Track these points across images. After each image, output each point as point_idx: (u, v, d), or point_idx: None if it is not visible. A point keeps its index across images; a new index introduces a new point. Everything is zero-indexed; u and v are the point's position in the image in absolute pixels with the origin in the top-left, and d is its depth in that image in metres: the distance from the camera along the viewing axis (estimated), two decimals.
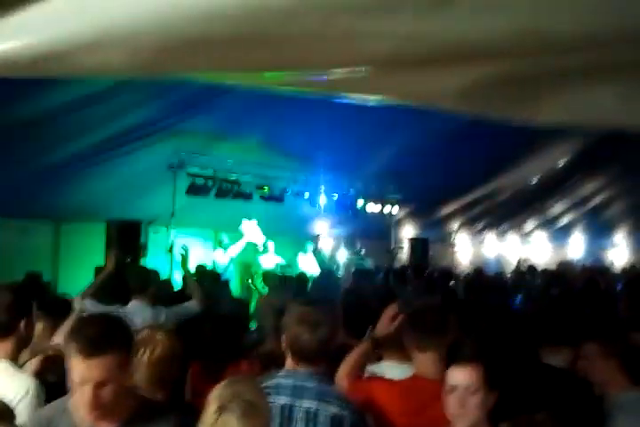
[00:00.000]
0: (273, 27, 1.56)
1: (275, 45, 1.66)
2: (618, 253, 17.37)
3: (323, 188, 11.01)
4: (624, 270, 13.30)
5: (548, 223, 16.78)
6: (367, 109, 7.03)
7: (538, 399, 2.93)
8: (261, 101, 7.34)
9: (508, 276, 9.96)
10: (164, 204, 9.30)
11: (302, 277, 8.03)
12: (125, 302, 4.96)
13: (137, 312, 4.78)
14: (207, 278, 7.03)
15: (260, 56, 1.73)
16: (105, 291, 5.03)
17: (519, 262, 14.00)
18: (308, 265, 11.37)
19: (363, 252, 12.60)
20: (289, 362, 2.66)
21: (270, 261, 10.76)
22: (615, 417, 3.15)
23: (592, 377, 3.33)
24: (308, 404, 2.51)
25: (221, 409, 1.94)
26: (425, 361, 2.83)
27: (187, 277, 5.70)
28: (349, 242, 13.18)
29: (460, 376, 2.37)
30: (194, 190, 9.36)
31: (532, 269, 11.55)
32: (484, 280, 8.12)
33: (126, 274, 5.17)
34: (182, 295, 5.57)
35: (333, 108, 7.51)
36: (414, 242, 13.89)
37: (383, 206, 11.98)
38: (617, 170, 13.72)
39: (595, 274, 10.08)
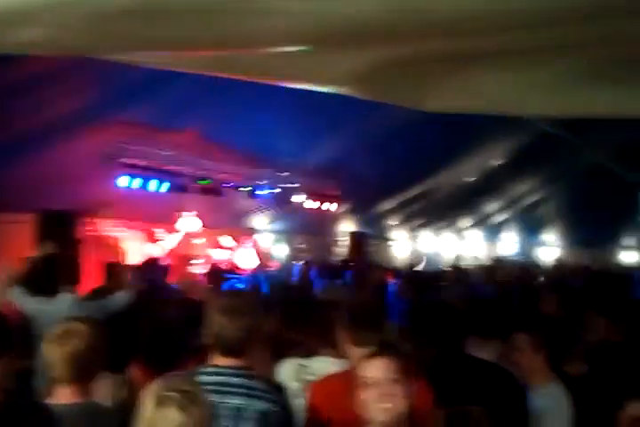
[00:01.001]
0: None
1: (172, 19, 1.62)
2: (547, 251, 17.97)
3: (262, 182, 10.96)
4: (552, 267, 13.78)
5: (482, 221, 17.21)
6: (309, 104, 7.03)
7: (466, 391, 3.00)
8: (203, 93, 7.24)
9: (444, 271, 10.18)
10: (98, 194, 9.06)
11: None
12: (54, 294, 4.84)
13: (63, 304, 4.69)
14: (154, 271, 6.93)
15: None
16: (33, 282, 4.89)
17: (454, 259, 14.31)
18: (246, 259, 11.33)
19: (303, 246, 12.66)
20: (214, 356, 2.58)
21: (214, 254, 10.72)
22: (538, 408, 3.27)
23: (520, 368, 3.44)
24: (234, 400, 2.43)
25: (159, 403, 1.90)
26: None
27: (115, 268, 5.59)
28: (289, 237, 13.19)
29: (377, 369, 2.36)
30: (130, 181, 9.16)
31: (464, 265, 11.83)
32: (419, 275, 8.28)
33: (55, 265, 5.04)
34: (111, 287, 5.46)
35: (276, 102, 7.48)
36: (354, 236, 14.06)
37: (322, 202, 12.03)
38: (549, 171, 14.18)
39: (524, 270, 10.41)
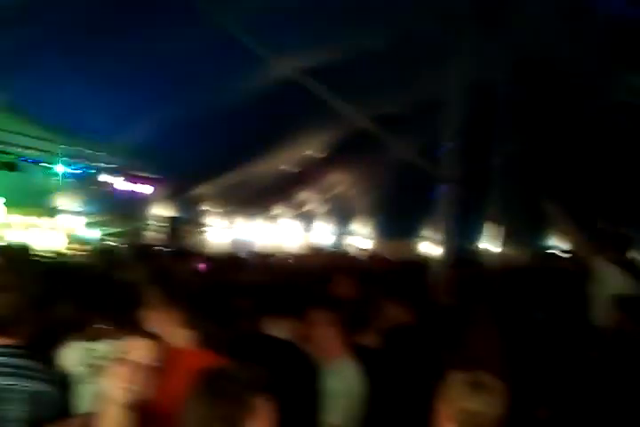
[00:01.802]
0: None
1: None
2: (358, 241, 18.84)
3: (70, 159, 10.31)
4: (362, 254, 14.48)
5: (298, 210, 17.65)
6: (128, 79, 6.73)
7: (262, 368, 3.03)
8: (10, 61, 6.65)
9: (252, 256, 10.28)
10: None
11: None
12: None
13: None
14: None
15: None
16: None
17: (267, 246, 14.53)
18: (48, 240, 10.60)
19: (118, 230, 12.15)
20: None
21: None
22: (330, 384, 3.38)
23: (314, 344, 3.53)
24: (2, 380, 2.28)
25: None
26: (189, 337, 2.90)
27: None
28: (100, 220, 12.57)
29: (135, 348, 2.34)
30: None
31: (273, 251, 12.05)
32: (231, 260, 8.28)
33: None
34: None
35: (92, 74, 7.07)
36: (170, 220, 13.78)
37: (136, 184, 11.60)
38: (362, 165, 14.85)
39: (333, 257, 10.83)
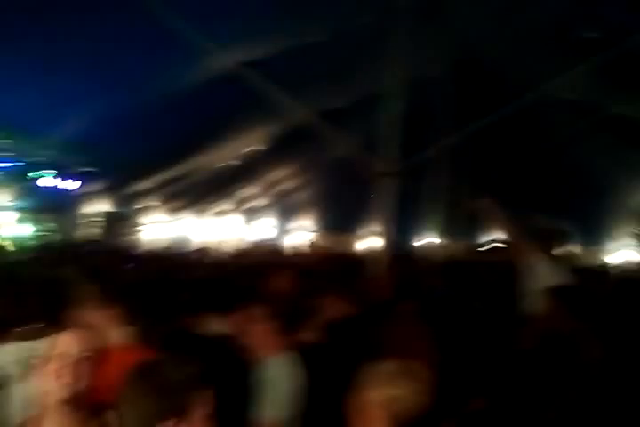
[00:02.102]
0: None
1: None
2: (301, 235, 18.83)
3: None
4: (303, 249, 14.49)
5: (241, 205, 17.51)
6: (62, 67, 6.51)
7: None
8: None
9: (192, 252, 10.16)
10: None
11: None
12: None
13: None
14: None
15: None
16: None
17: (209, 242, 14.37)
18: None
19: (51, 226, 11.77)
20: None
21: None
22: (265, 379, 3.36)
23: (251, 340, 3.51)
24: None
25: None
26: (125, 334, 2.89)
27: None
28: (31, 215, 12.16)
29: (63, 344, 2.33)
30: None
31: (215, 247, 11.94)
32: (169, 256, 8.17)
33: None
34: None
35: (19, 61, 6.80)
36: (106, 216, 13.48)
37: (68, 178, 11.27)
38: (305, 159, 14.85)
39: (273, 251, 10.80)
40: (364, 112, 10.94)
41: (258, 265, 6.86)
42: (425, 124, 10.51)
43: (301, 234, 18.95)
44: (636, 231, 14.19)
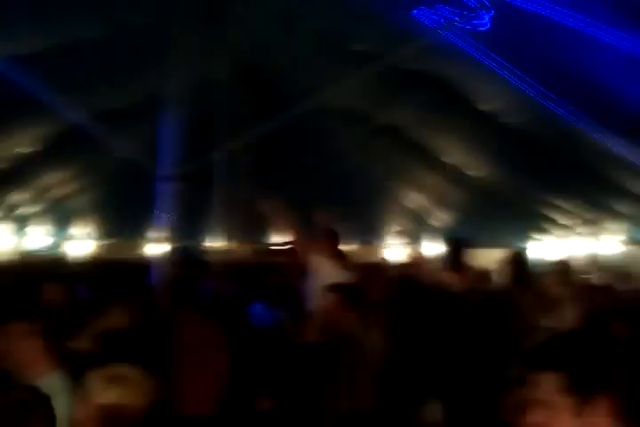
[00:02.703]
0: None
1: None
2: (79, 244, 17.75)
3: None
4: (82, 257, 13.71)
5: (9, 212, 16.03)
6: None
7: None
8: None
9: None
10: None
11: None
12: None
13: None
14: None
15: None
16: None
17: None
18: None
19: None
20: None
21: None
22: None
23: (16, 360, 3.20)
24: None
25: None
26: None
27: None
28: None
29: None
30: None
31: None
32: None
33: None
34: None
35: None
36: None
37: None
38: (81, 163, 14.08)
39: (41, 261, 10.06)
40: (145, 114, 10.62)
41: (26, 277, 6.36)
42: (209, 128, 10.48)
43: (80, 242, 17.90)
44: (399, 230, 15.54)
